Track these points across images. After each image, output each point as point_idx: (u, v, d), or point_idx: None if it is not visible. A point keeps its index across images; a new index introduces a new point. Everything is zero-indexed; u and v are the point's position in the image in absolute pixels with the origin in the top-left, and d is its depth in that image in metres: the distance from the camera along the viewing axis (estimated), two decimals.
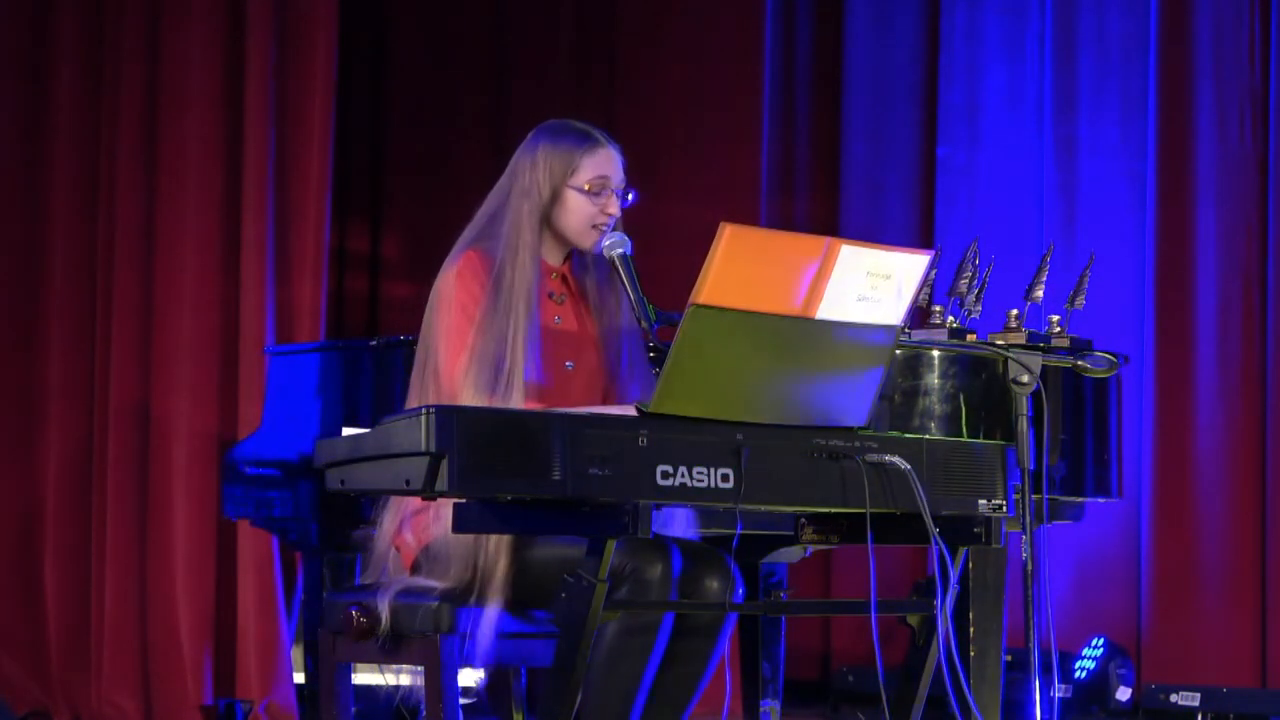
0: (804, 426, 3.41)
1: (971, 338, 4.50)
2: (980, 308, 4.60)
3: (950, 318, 4.54)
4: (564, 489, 3.18)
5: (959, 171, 7.23)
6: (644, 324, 3.83)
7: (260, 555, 6.03)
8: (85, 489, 6.23)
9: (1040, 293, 4.64)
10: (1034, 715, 4.05)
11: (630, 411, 3.34)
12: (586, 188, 3.85)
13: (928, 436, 3.98)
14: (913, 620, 4.13)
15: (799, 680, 6.94)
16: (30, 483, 6.27)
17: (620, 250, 3.85)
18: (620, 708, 3.57)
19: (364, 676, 4.52)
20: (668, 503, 3.35)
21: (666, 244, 6.05)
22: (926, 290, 4.53)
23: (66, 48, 6.29)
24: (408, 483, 3.17)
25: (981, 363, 4.47)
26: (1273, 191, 6.60)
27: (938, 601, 3.55)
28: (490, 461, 3.14)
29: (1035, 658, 4.08)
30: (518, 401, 3.68)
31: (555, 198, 3.85)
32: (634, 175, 3.94)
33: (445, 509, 3.58)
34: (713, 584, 3.70)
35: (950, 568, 3.55)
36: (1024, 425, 4.12)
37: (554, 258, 3.91)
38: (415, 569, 3.75)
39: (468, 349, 3.72)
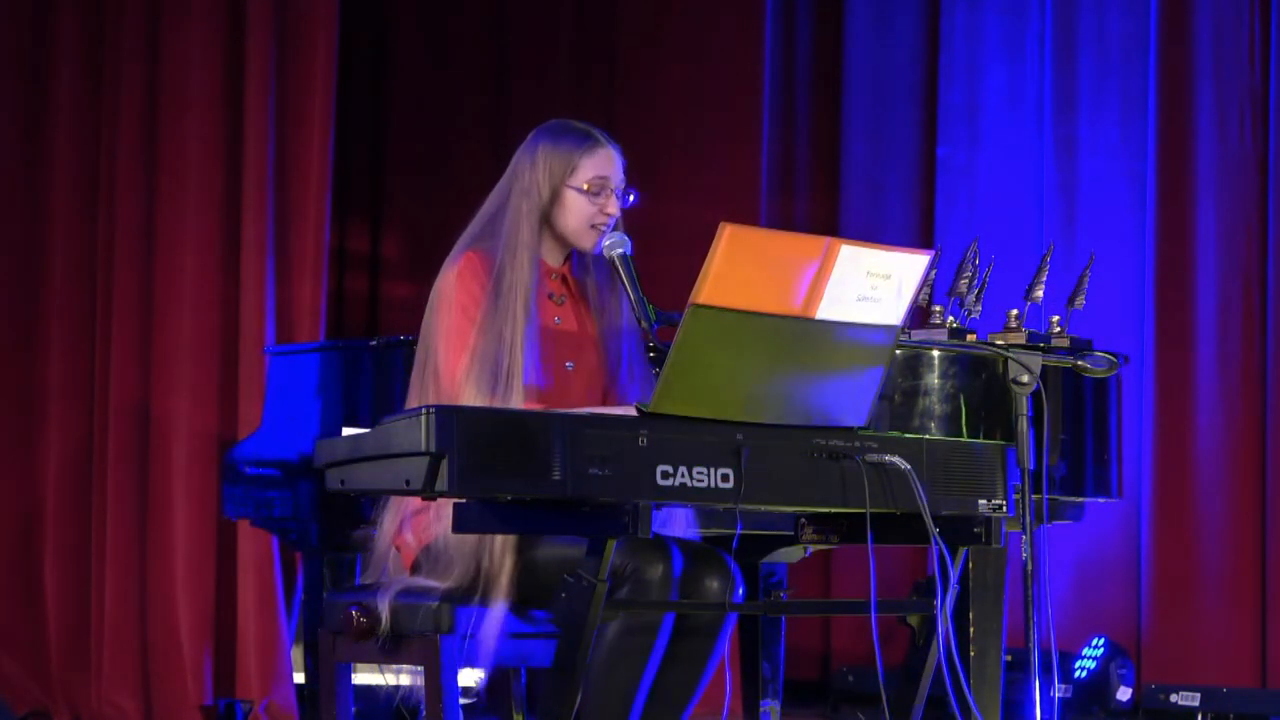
0: (804, 426, 3.41)
1: (971, 338, 4.50)
2: (980, 308, 4.60)
3: (950, 318, 4.54)
4: (564, 489, 3.17)
5: (959, 171, 7.23)
6: (644, 324, 3.82)
7: (260, 555, 6.03)
8: (85, 489, 6.23)
9: (1040, 293, 4.64)
10: (1034, 715, 4.05)
11: (630, 411, 3.34)
12: (586, 188, 3.84)
13: (928, 436, 3.98)
14: (913, 620, 4.14)
15: (799, 680, 6.94)
16: (30, 483, 6.27)
17: (620, 250, 3.84)
18: (620, 708, 3.57)
19: (364, 676, 4.52)
20: (668, 503, 3.35)
21: (666, 244, 6.04)
22: (926, 290, 4.53)
23: (66, 48, 6.29)
24: (408, 483, 3.17)
25: (981, 363, 4.47)
26: (1273, 191, 6.60)
27: (938, 601, 3.55)
28: (490, 461, 3.14)
29: (1035, 658, 4.08)
30: (518, 402, 3.68)
31: (555, 198, 3.85)
32: (634, 175, 3.94)
33: (445, 509, 3.57)
34: (713, 584, 3.70)
35: (950, 568, 3.55)
36: (1024, 425, 4.12)
37: (554, 258, 3.91)
38: (415, 569, 3.75)
39: (468, 349, 3.72)
